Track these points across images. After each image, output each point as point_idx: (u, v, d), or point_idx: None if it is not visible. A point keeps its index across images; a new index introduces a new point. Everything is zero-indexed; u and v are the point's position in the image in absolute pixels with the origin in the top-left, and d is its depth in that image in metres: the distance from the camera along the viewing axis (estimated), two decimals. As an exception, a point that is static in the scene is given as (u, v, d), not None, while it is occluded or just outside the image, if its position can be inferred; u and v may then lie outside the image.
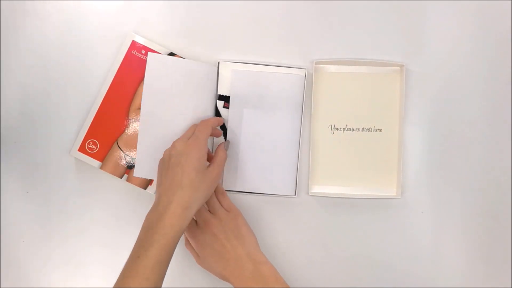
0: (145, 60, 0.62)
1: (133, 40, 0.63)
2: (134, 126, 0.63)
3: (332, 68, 0.65)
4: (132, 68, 0.63)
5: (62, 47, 0.64)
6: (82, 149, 0.62)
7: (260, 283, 0.54)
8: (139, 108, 0.63)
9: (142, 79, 0.63)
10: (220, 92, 0.64)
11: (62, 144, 0.64)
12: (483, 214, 0.65)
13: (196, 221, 0.59)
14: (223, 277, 0.57)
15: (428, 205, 0.65)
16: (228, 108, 0.64)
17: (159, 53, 0.63)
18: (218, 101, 0.64)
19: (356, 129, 0.65)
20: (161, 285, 0.50)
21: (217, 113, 0.65)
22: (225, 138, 0.64)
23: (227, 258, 0.56)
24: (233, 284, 0.56)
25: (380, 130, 0.65)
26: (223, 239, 0.56)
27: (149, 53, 0.60)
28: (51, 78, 0.64)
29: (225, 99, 0.64)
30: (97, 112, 0.62)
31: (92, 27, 0.64)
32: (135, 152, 0.63)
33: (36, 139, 0.64)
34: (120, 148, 0.63)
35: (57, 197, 0.64)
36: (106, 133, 0.62)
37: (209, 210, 0.60)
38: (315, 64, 0.64)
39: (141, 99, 0.62)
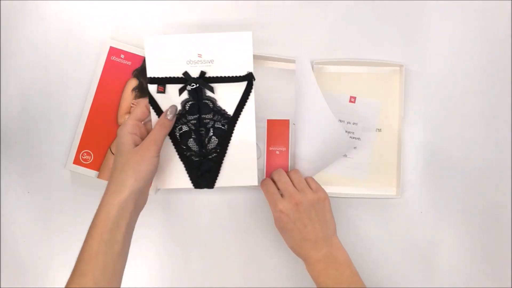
0: (126, 64, 0.62)
1: (110, 46, 0.63)
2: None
3: (332, 68, 0.65)
4: (114, 73, 0.63)
5: (62, 48, 0.65)
6: (77, 161, 0.62)
7: (330, 266, 0.54)
8: (127, 113, 0.63)
9: (125, 82, 0.63)
10: (151, 74, 0.55)
11: (63, 143, 0.64)
12: (483, 214, 0.65)
13: (281, 194, 0.58)
14: (295, 252, 0.57)
15: (428, 205, 0.65)
16: (163, 92, 0.55)
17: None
18: (149, 85, 0.55)
19: (356, 129, 0.65)
20: (113, 282, 0.48)
21: (151, 100, 0.55)
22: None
23: (305, 238, 0.55)
24: (304, 261, 0.56)
25: (379, 130, 0.65)
26: (305, 219, 0.55)
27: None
28: (51, 79, 0.65)
29: (158, 81, 0.55)
30: (86, 123, 0.63)
31: (70, 37, 0.65)
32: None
33: (37, 139, 0.65)
34: (113, 154, 0.62)
35: (58, 197, 0.64)
36: (98, 142, 0.62)
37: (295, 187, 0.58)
38: (315, 64, 0.64)
39: (127, 103, 0.62)
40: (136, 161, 0.50)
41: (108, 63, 0.63)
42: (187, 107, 0.55)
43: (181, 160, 0.56)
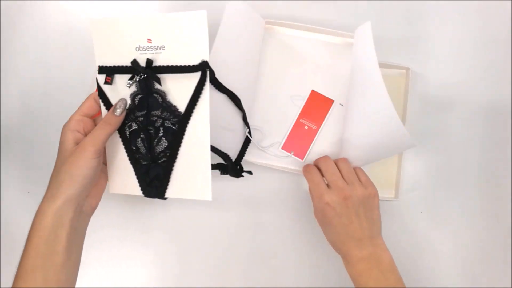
0: None
1: None
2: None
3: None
4: None
5: (62, 48, 0.64)
6: None
7: (374, 267, 0.51)
8: None
9: None
10: (101, 62, 0.48)
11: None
12: (483, 214, 0.65)
13: (327, 184, 0.54)
14: (335, 247, 0.54)
15: (428, 205, 0.65)
16: (110, 83, 0.48)
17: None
18: (98, 76, 0.48)
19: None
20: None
21: (100, 92, 0.49)
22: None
23: (349, 235, 0.52)
24: (345, 258, 0.53)
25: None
26: (352, 215, 0.52)
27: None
28: (51, 78, 0.64)
29: (107, 71, 0.47)
30: None
31: (69, 38, 0.65)
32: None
33: (37, 139, 0.64)
34: None
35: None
36: None
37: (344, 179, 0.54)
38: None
39: None
40: (71, 163, 0.45)
41: None
42: (137, 101, 0.47)
43: (131, 163, 0.49)
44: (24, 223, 0.63)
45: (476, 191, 0.65)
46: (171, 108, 0.47)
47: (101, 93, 0.49)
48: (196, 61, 0.45)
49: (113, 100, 0.48)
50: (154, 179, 0.49)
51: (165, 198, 0.50)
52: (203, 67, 0.45)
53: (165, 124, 0.47)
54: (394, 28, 0.66)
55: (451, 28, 0.66)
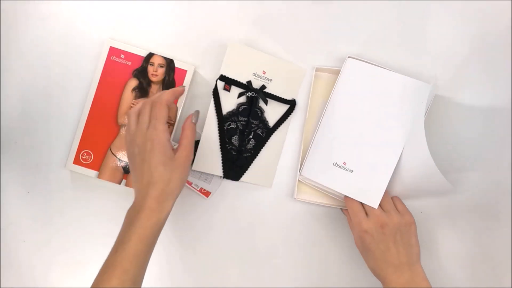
0: (126, 64, 0.63)
1: (110, 46, 0.63)
2: (124, 131, 0.63)
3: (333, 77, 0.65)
4: (114, 73, 0.63)
5: (62, 48, 0.65)
6: (77, 161, 0.62)
7: None
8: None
9: (125, 82, 0.63)
10: (224, 73, 0.63)
11: (63, 144, 0.64)
12: (483, 214, 0.65)
13: (366, 212, 0.58)
14: (375, 273, 0.57)
15: (427, 205, 0.65)
16: (228, 90, 0.63)
17: (162, 56, 0.63)
18: (218, 81, 0.63)
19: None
20: (142, 279, 0.50)
21: (216, 94, 0.62)
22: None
23: (387, 261, 0.55)
24: (384, 283, 0.56)
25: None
26: (390, 242, 0.55)
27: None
28: (51, 79, 0.65)
29: (227, 80, 0.63)
30: (86, 123, 0.62)
31: (70, 37, 0.65)
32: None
33: (37, 139, 0.64)
34: (114, 154, 0.62)
35: (58, 197, 0.64)
36: (98, 141, 0.62)
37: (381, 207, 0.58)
38: (316, 71, 0.64)
39: (127, 103, 0.63)
40: (185, 169, 0.52)
41: (108, 63, 0.63)
42: (240, 110, 0.64)
43: (221, 151, 0.63)
44: (24, 223, 0.64)
45: (475, 191, 0.65)
46: (265, 122, 0.65)
47: (216, 95, 0.63)
48: (289, 97, 0.65)
49: (224, 103, 0.63)
50: (238, 166, 0.64)
51: (238, 180, 0.64)
52: (293, 103, 0.65)
53: (257, 131, 0.64)
54: (393, 29, 0.65)
55: (451, 29, 0.66)
